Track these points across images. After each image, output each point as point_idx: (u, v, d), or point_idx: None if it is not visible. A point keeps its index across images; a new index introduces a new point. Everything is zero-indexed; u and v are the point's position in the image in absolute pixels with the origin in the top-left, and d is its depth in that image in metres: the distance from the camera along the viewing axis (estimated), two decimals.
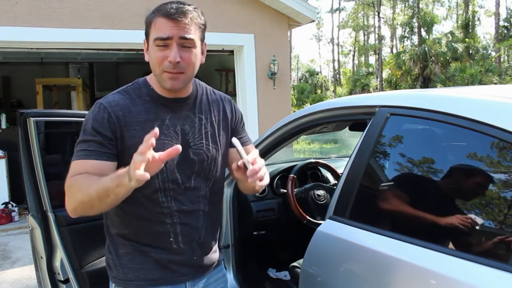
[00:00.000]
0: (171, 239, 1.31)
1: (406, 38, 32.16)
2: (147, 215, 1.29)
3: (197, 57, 1.29)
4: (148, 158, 1.02)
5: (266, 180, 1.24)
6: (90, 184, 1.13)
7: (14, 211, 6.38)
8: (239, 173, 1.22)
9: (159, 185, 1.28)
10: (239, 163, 1.19)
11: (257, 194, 2.67)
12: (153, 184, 1.27)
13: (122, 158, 1.24)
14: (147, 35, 1.29)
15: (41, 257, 2.25)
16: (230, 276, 2.41)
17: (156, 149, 1.20)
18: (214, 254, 1.45)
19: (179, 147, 1.06)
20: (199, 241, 1.36)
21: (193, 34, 1.24)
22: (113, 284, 1.36)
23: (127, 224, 1.32)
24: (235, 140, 1.20)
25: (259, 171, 1.16)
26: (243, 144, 1.46)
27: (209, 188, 1.37)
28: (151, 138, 1.02)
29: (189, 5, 1.27)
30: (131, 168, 1.02)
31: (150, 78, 1.35)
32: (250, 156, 1.17)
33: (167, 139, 1.28)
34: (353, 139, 2.58)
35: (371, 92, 17.78)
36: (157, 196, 1.28)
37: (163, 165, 1.08)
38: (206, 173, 1.36)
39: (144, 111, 1.29)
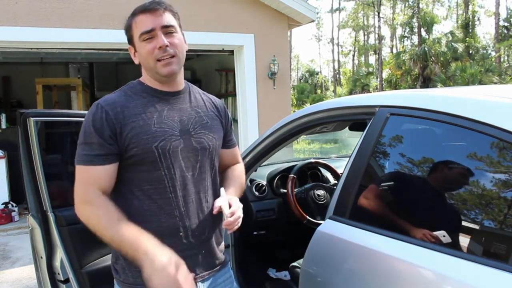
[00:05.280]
0: (181, 233, 1.32)
1: (406, 38, 32.13)
2: (156, 209, 1.30)
3: (182, 41, 1.37)
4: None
5: (237, 226, 1.38)
6: (110, 225, 1.22)
7: (14, 211, 6.38)
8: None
9: (164, 172, 1.30)
10: (217, 210, 1.35)
11: (257, 194, 2.67)
12: (159, 171, 1.29)
13: (126, 150, 1.28)
14: (130, 39, 1.36)
15: (41, 257, 2.25)
16: None
17: (158, 136, 1.29)
18: (221, 251, 1.46)
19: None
20: (207, 234, 1.38)
21: (172, 21, 1.34)
22: None
23: (137, 222, 1.30)
24: (222, 191, 1.38)
25: (234, 222, 1.34)
26: (230, 146, 1.56)
27: (212, 178, 1.41)
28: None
29: None
30: (157, 267, 1.13)
31: (142, 78, 1.40)
32: (230, 210, 1.33)
33: (167, 127, 1.32)
34: (353, 139, 2.58)
35: (371, 92, 17.78)
36: (163, 186, 1.30)
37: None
38: (209, 163, 1.40)
39: (141, 105, 1.33)
